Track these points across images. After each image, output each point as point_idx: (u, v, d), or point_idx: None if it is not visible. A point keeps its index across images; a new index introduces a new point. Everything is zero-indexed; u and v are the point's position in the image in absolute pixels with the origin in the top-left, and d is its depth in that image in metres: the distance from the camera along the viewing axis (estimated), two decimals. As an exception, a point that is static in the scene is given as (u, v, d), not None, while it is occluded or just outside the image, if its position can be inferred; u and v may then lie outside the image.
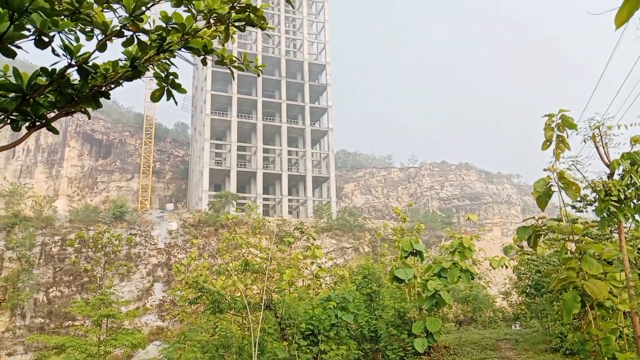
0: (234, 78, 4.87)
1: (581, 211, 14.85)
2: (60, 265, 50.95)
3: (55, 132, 3.77)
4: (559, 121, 7.32)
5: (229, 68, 4.53)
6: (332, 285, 18.21)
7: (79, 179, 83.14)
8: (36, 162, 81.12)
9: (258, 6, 4.12)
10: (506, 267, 13.70)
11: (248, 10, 3.97)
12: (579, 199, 13.83)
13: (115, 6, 3.57)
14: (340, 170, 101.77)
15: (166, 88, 4.08)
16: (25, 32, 3.15)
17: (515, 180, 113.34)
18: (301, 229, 20.44)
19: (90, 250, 43.71)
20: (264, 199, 74.33)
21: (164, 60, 4.05)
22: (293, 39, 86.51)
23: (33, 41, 3.12)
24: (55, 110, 3.73)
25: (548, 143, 7.40)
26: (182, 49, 4.00)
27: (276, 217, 69.13)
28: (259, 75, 4.79)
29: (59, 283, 50.16)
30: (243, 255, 18.95)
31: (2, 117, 3.56)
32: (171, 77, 4.09)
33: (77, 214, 57.78)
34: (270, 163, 79.61)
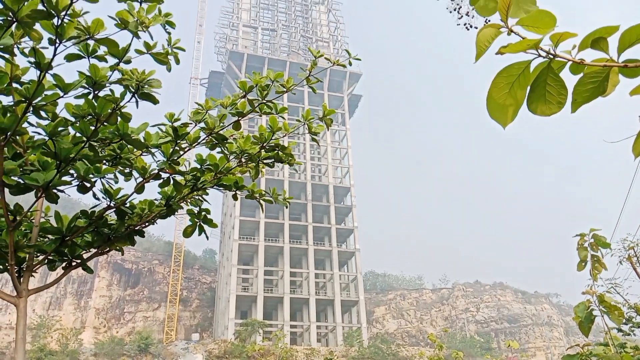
0: (262, 210, 4.99)
1: (629, 334, 13.86)
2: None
3: (90, 271, 3.84)
4: (592, 240, 7.14)
5: (259, 201, 4.67)
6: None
7: (106, 310, 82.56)
8: (66, 294, 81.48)
9: (286, 144, 4.35)
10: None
11: (277, 148, 4.19)
12: (624, 321, 12.98)
13: (153, 149, 3.83)
14: (370, 292, 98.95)
15: (198, 224, 4.19)
16: (68, 178, 3.36)
17: (554, 299, 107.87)
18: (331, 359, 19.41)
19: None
20: (291, 326, 71.82)
21: (196, 197, 4.22)
22: (318, 164, 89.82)
23: (76, 187, 3.31)
24: (91, 249, 3.84)
25: (583, 263, 7.14)
26: (215, 186, 4.18)
27: (304, 345, 66.13)
28: (287, 207, 4.90)
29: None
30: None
31: (40, 258, 3.68)
32: (203, 212, 4.22)
33: (103, 347, 56.49)
34: (298, 287, 78.20)
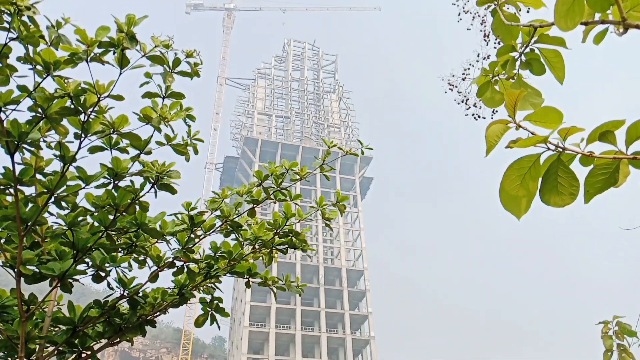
0: (275, 298, 4.91)
1: None
2: None
3: (99, 363, 3.74)
4: (616, 328, 6.84)
5: (272, 289, 4.61)
6: None
7: (110, 402, 78.93)
8: (69, 384, 78.47)
9: (299, 230, 4.37)
10: None
11: (291, 235, 4.20)
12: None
13: (168, 237, 3.86)
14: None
15: (210, 313, 4.12)
16: (83, 266, 3.38)
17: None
18: None
19: None
20: (305, 420, 67.70)
21: (209, 285, 4.18)
22: (330, 246, 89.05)
23: (91, 276, 3.31)
24: (102, 340, 3.76)
25: (609, 353, 6.81)
26: (228, 274, 4.16)
27: None
28: (300, 295, 4.82)
29: None
30: None
31: (50, 349, 3.60)
32: (216, 301, 4.17)
33: None
34: (311, 378, 74.56)
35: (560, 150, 1.59)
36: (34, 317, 3.62)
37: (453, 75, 3.41)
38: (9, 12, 2.56)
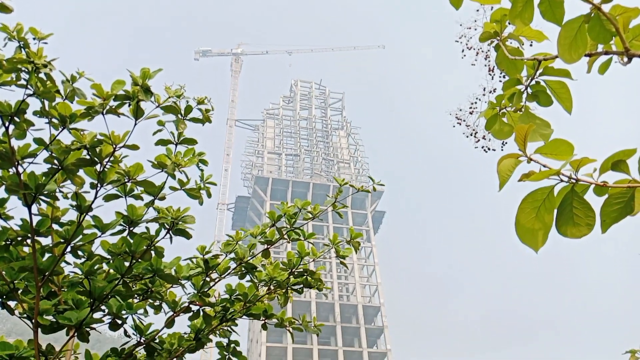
0: (293, 340, 4.84)
1: None
2: None
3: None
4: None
5: (288, 330, 4.54)
6: None
7: None
8: None
9: (313, 269, 4.34)
10: None
11: (306, 274, 4.17)
12: None
13: (183, 281, 3.85)
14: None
15: (227, 357, 4.07)
16: (100, 314, 3.36)
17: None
18: None
19: None
20: None
21: (225, 328, 4.14)
22: (345, 282, 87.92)
23: (107, 324, 3.30)
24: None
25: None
26: (244, 316, 4.12)
27: None
28: (318, 335, 4.75)
29: None
30: None
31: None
32: (232, 345, 4.12)
33: None
34: (331, 420, 72.34)
35: (574, 181, 1.59)
36: (51, 369, 3.59)
37: (460, 110, 3.44)
38: (27, 70, 2.66)
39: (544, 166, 1.57)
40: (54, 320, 3.18)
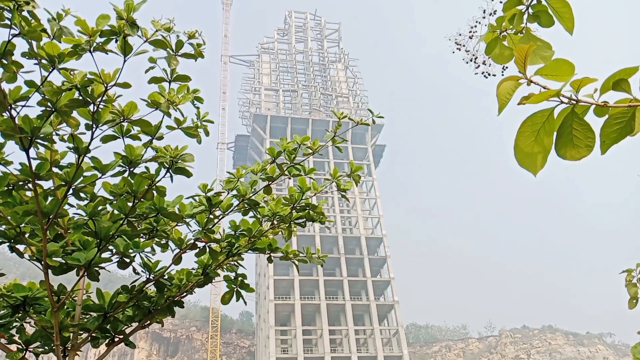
0: (298, 271, 4.97)
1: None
2: None
3: (133, 346, 3.85)
4: (642, 275, 6.81)
5: (293, 262, 4.66)
6: None
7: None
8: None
9: (315, 203, 4.39)
10: None
11: (308, 208, 4.23)
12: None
13: (188, 219, 3.91)
14: (413, 346, 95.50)
15: (235, 289, 4.20)
16: (108, 254, 3.45)
17: (608, 339, 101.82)
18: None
19: None
20: (336, 387, 69.37)
21: (232, 263, 4.25)
22: (348, 216, 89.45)
23: (116, 263, 3.38)
24: (133, 323, 3.87)
25: (634, 301, 6.81)
26: (249, 250, 4.21)
27: (350, 406, 63.49)
28: (322, 266, 4.87)
29: None
30: None
31: (84, 336, 3.71)
32: (240, 278, 4.24)
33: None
34: (338, 345, 76.02)
35: (574, 102, 1.56)
36: (65, 307, 3.73)
37: (460, 34, 3.33)
38: (9, 8, 2.56)
39: (544, 88, 1.54)
40: (63, 261, 3.26)
